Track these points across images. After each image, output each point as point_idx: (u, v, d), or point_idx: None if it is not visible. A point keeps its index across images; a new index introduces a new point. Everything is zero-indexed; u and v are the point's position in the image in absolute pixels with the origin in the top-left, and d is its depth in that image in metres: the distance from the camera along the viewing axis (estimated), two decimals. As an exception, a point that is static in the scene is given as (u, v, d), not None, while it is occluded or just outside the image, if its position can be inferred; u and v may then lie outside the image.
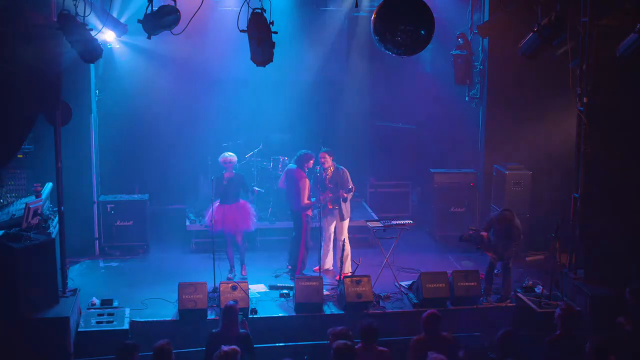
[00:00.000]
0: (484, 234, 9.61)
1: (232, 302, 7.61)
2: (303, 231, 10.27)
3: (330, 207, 10.22)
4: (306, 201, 10.18)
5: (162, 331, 8.29)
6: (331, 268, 10.60)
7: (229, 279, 9.92)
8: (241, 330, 7.47)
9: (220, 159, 10.26)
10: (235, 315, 7.44)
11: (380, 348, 6.94)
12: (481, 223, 10.12)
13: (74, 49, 8.03)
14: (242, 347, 6.79)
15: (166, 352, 6.46)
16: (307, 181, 10.23)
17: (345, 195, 10.13)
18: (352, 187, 10.16)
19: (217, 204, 10.13)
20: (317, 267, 10.20)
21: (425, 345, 6.89)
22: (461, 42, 12.21)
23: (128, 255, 11.27)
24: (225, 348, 6.35)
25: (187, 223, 11.88)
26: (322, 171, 10.34)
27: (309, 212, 10.35)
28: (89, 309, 8.88)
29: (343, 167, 10.38)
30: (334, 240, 10.54)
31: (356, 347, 6.79)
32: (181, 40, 8.05)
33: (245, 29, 7.48)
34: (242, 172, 12.70)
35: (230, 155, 10.28)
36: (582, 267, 9.70)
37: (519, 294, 9.45)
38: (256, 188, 10.50)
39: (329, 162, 10.30)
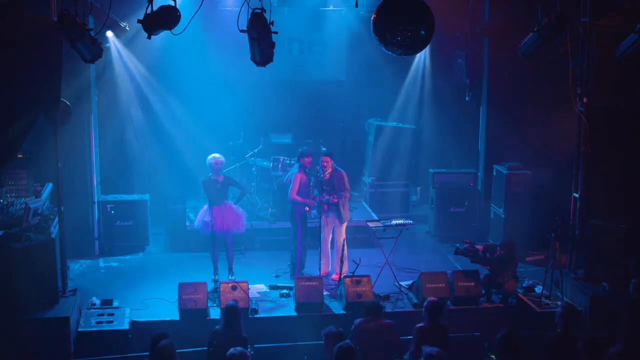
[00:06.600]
0: (480, 247, 9.63)
1: (232, 302, 7.60)
2: (298, 230, 10.21)
3: (326, 207, 10.16)
4: (293, 195, 10.10)
5: (162, 331, 8.26)
6: (330, 269, 10.57)
7: (214, 281, 9.72)
8: (243, 334, 7.34)
9: (212, 160, 9.84)
10: (235, 315, 7.37)
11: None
12: (481, 240, 10.13)
13: (74, 49, 8.03)
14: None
15: (168, 352, 6.43)
16: (298, 176, 10.12)
17: (335, 200, 10.04)
18: (345, 192, 10.10)
19: (205, 206, 9.92)
20: (323, 272, 10.20)
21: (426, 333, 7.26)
22: (461, 42, 12.21)
23: (128, 256, 11.26)
24: (234, 351, 6.22)
25: (187, 223, 11.87)
26: (321, 172, 10.29)
27: (304, 210, 10.26)
28: (89, 309, 8.90)
29: (341, 170, 10.31)
30: (332, 241, 10.53)
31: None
32: (181, 40, 8.04)
33: (245, 29, 7.49)
34: (243, 172, 12.78)
35: (221, 156, 9.97)
36: (582, 267, 9.72)
37: (519, 294, 9.46)
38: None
39: (329, 164, 10.20)
